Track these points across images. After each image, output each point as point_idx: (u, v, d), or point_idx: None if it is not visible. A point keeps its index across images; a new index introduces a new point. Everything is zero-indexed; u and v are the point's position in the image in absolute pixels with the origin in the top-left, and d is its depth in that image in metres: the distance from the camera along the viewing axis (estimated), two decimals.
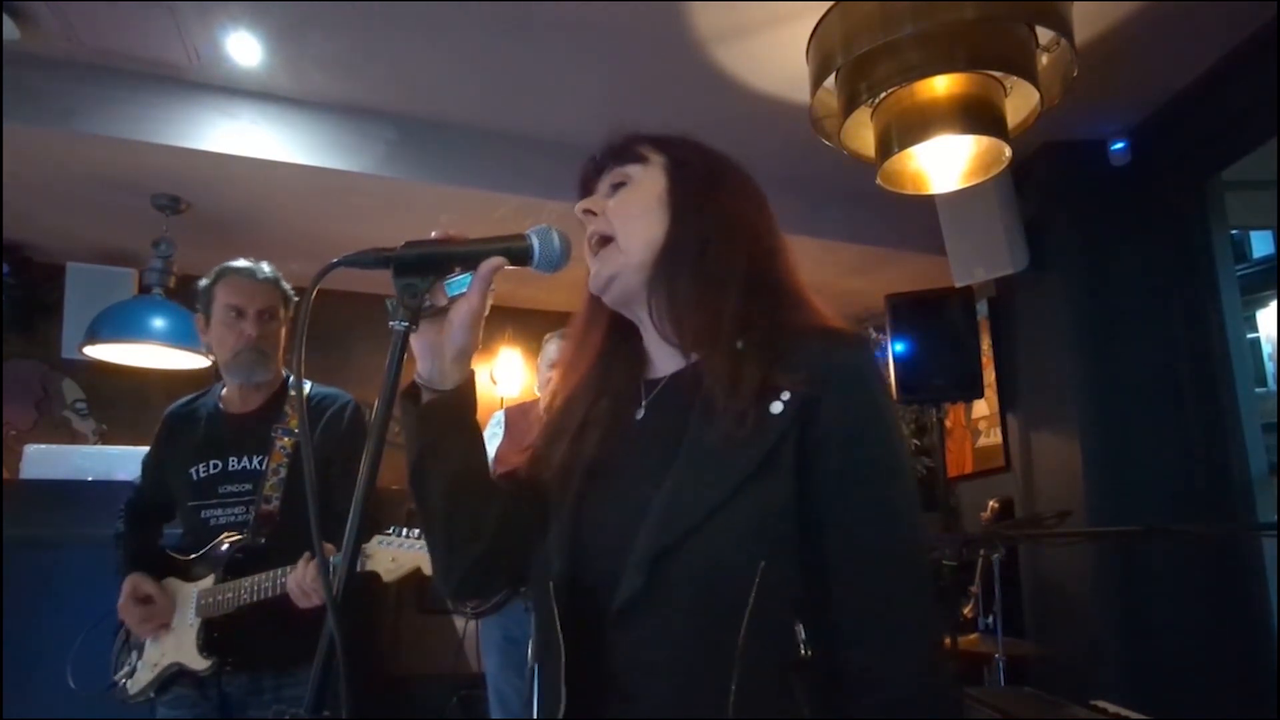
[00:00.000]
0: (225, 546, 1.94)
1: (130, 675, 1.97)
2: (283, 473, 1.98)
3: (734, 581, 0.81)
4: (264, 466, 1.99)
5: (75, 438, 4.08)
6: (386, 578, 1.79)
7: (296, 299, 2.08)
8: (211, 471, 2.00)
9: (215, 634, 1.90)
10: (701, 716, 0.81)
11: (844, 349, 0.90)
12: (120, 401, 4.09)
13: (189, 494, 2.00)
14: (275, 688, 1.91)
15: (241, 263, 2.02)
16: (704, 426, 0.88)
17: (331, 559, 1.82)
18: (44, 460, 3.42)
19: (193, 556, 1.98)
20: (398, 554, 1.79)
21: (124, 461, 3.25)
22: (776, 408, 0.85)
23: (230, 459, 2.00)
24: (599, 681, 0.86)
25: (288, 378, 2.12)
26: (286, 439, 2.01)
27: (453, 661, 4.11)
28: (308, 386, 2.10)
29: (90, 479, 3.26)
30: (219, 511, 1.98)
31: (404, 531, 1.82)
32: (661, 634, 0.84)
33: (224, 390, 2.09)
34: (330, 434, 2.02)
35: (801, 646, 0.81)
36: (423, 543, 1.79)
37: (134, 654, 1.99)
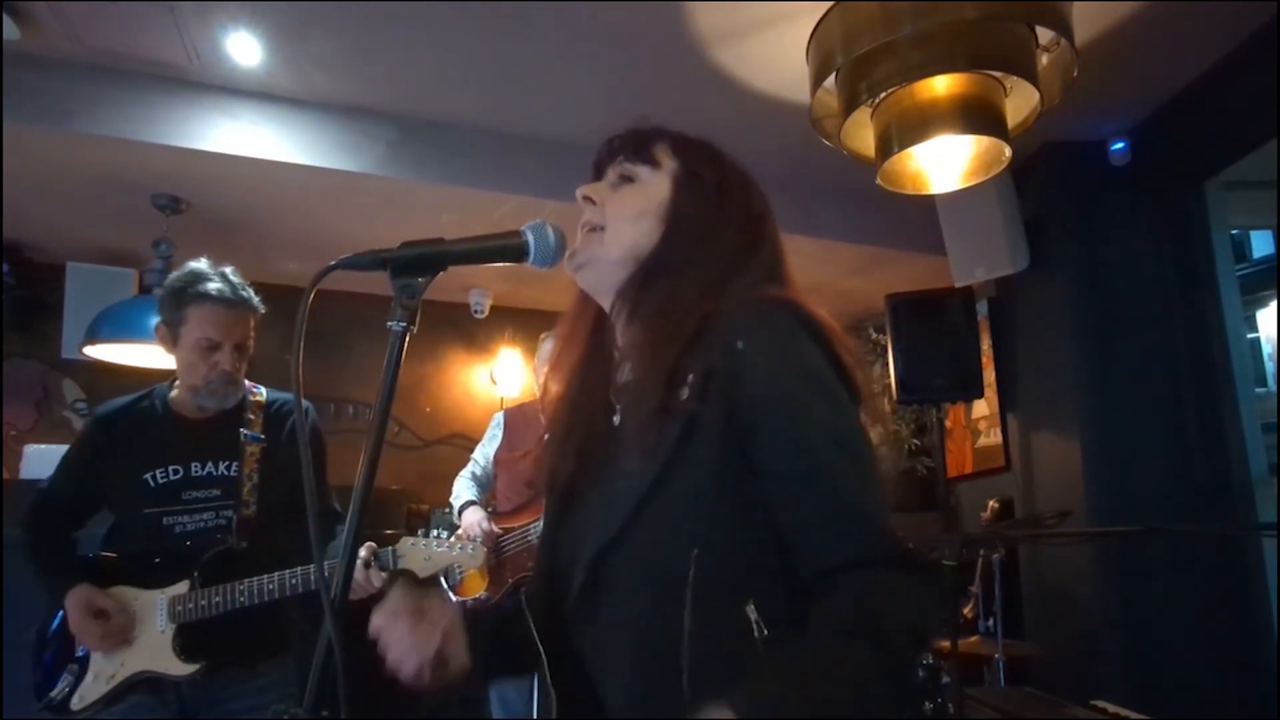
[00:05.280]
0: (204, 553, 1.90)
1: (72, 689, 1.87)
2: (256, 478, 1.95)
3: (670, 570, 0.82)
4: (235, 472, 1.95)
5: (75, 438, 4.08)
6: (421, 574, 1.84)
7: (263, 310, 2.02)
8: (173, 477, 1.92)
9: (195, 639, 1.86)
10: (659, 704, 0.82)
11: (749, 316, 0.87)
12: None
13: (143, 500, 1.91)
14: (236, 682, 1.89)
15: (215, 285, 1.91)
16: (630, 427, 0.89)
17: (372, 558, 1.82)
18: (44, 460, 3.41)
19: (156, 562, 1.90)
20: (432, 553, 1.86)
21: None
22: (683, 394, 0.85)
23: (193, 464, 1.94)
24: (574, 679, 0.90)
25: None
26: (255, 445, 1.97)
27: None
28: (264, 392, 2.07)
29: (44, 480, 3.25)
30: (185, 519, 1.92)
31: (434, 533, 1.88)
32: (612, 628, 0.87)
33: (174, 393, 2.00)
34: (296, 440, 2.00)
35: (756, 627, 0.80)
36: (460, 545, 1.88)
37: (74, 667, 1.89)
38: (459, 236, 0.95)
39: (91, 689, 1.86)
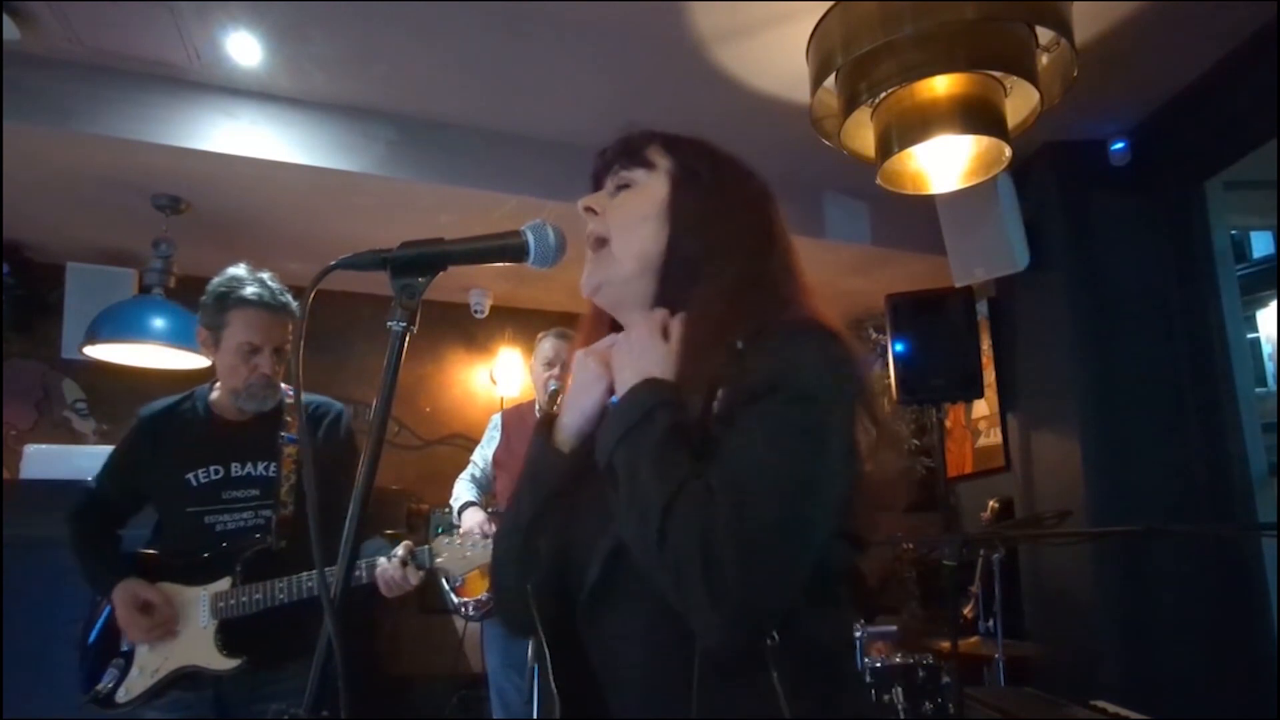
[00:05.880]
0: (244, 551, 1.96)
1: (117, 683, 1.93)
2: (294, 478, 2.01)
3: None
4: (274, 473, 2.01)
5: (75, 438, 4.08)
6: (458, 573, 1.93)
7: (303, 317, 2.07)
8: (214, 477, 1.99)
9: (237, 634, 1.92)
10: (668, 705, 0.81)
11: (794, 345, 0.85)
12: (120, 401, 4.09)
13: (186, 499, 1.97)
14: (274, 681, 1.94)
15: (254, 290, 1.97)
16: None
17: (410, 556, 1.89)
18: (44, 460, 3.41)
19: (199, 559, 1.97)
20: (467, 553, 1.92)
21: None
22: (715, 406, 0.84)
23: (233, 465, 2.00)
24: (580, 678, 0.89)
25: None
26: (292, 446, 2.03)
27: (453, 661, 4.11)
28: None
29: (90, 479, 3.26)
30: (225, 517, 1.98)
31: (466, 533, 1.95)
32: (623, 626, 0.87)
33: (214, 395, 2.06)
34: (332, 441, 2.07)
35: (769, 634, 0.80)
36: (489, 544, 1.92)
37: (119, 661, 1.96)
38: (459, 236, 0.95)
39: (136, 683, 1.92)
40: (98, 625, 2.00)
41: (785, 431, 0.80)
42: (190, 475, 1.98)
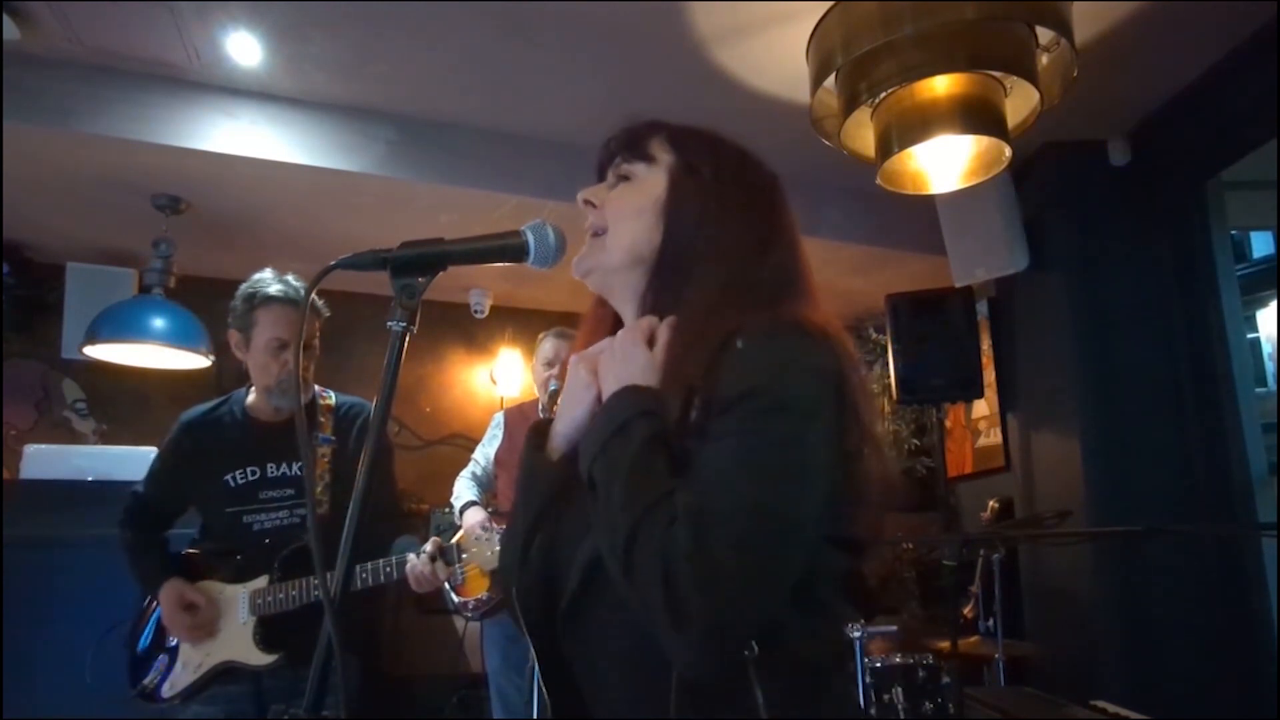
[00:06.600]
0: (282, 549, 2.02)
1: (162, 679, 2.01)
2: (328, 478, 2.06)
3: None
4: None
5: (75, 438, 4.08)
6: (487, 569, 1.99)
7: (329, 314, 2.13)
8: (250, 478, 2.04)
9: (274, 630, 1.97)
10: (648, 714, 0.81)
11: (772, 350, 0.82)
12: (120, 401, 4.09)
13: (224, 500, 2.04)
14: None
15: (277, 288, 2.03)
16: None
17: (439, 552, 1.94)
18: (44, 460, 3.42)
19: (238, 558, 2.03)
20: (495, 549, 1.95)
21: (124, 461, 3.26)
22: (693, 415, 0.82)
23: (269, 466, 2.06)
24: (567, 683, 0.89)
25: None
26: (325, 446, 2.08)
27: (453, 661, 4.11)
28: (333, 397, 2.19)
29: (90, 479, 3.27)
30: (262, 517, 2.04)
31: (495, 529, 1.99)
32: (602, 636, 0.86)
33: (250, 399, 2.12)
34: (365, 441, 2.10)
35: (750, 646, 0.78)
36: None
37: (163, 657, 2.04)
38: (459, 236, 0.95)
39: (180, 677, 2.00)
40: (148, 623, 2.09)
41: (756, 445, 0.77)
42: (228, 477, 2.04)
